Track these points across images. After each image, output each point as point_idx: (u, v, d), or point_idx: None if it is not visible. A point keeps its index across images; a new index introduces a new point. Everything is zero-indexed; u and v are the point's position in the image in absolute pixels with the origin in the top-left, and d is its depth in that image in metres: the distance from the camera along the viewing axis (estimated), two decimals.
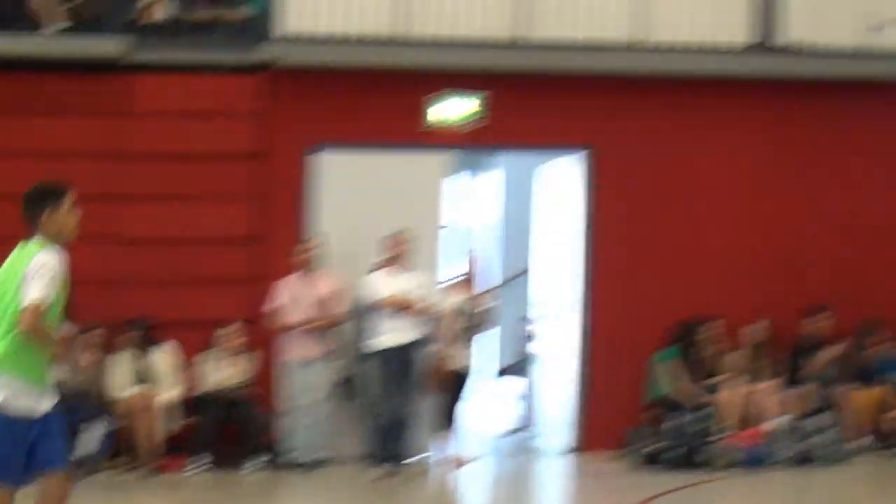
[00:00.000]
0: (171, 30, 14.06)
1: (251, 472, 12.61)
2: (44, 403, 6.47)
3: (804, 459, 13.37)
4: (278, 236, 13.54)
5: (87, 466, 12.02)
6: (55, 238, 6.62)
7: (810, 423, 13.62)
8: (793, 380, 13.99)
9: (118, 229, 13.03)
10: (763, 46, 14.63)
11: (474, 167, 18.60)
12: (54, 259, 6.50)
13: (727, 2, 14.52)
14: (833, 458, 13.43)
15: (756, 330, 13.94)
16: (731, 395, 13.60)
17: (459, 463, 13.28)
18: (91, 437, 12.44)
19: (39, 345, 6.45)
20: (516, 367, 16.52)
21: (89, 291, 12.15)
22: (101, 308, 12.93)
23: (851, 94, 14.73)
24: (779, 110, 14.73)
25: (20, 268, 6.53)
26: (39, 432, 6.46)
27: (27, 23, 13.44)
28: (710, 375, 13.87)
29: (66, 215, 6.74)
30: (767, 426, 13.47)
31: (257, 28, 13.67)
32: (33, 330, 6.35)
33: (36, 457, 6.46)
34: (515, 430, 15.95)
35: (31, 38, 13.31)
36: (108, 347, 12.88)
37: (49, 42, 13.33)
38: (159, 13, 14.09)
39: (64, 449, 6.66)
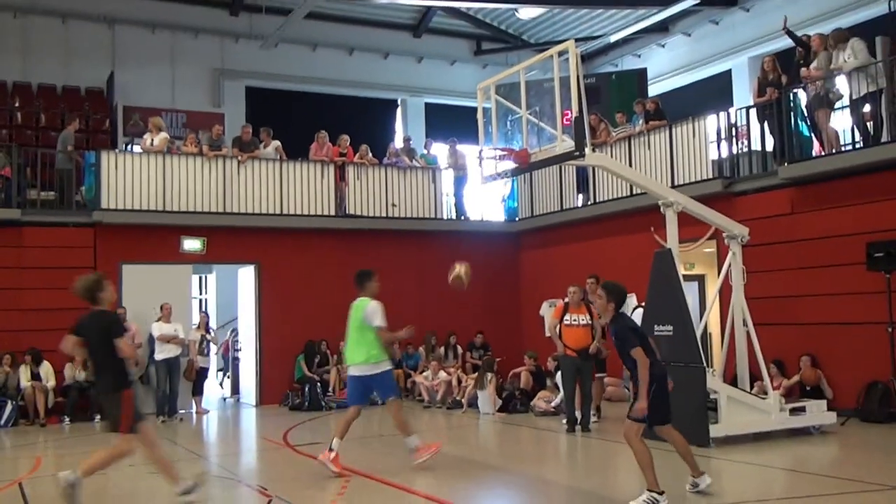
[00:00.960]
0: (51, 204, 15.20)
1: (98, 423, 13.50)
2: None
3: (369, 403, 14.78)
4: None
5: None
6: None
7: None
8: None
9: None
10: (341, 214, 16.75)
11: (205, 271, 19.91)
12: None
13: (324, 193, 16.53)
14: (380, 404, 14.90)
15: (342, 345, 13.83)
16: (334, 374, 15.56)
17: (204, 412, 14.87)
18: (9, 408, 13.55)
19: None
20: (231, 364, 17.91)
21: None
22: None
23: (383, 236, 16.99)
24: (348, 243, 16.68)
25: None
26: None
27: None
28: (323, 365, 15.87)
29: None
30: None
31: (91, 204, 15.17)
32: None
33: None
34: (230, 396, 17.35)
35: None
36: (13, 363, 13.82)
37: None
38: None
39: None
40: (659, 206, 10.41)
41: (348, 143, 17.40)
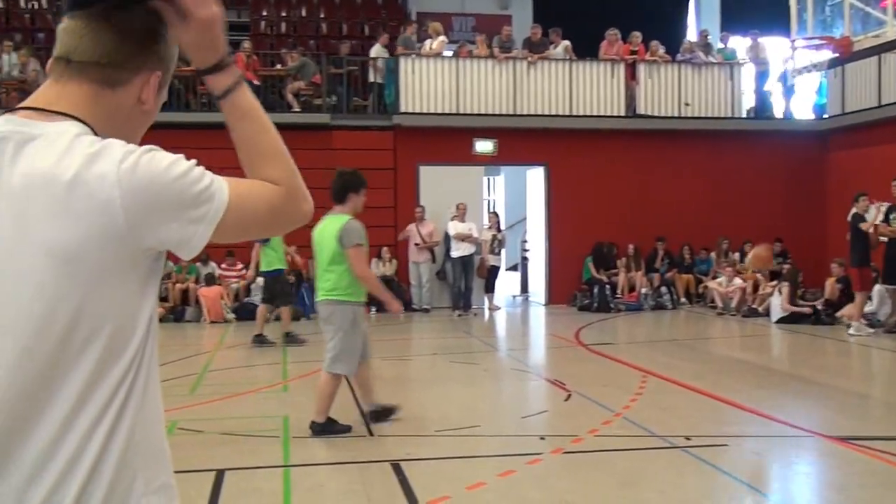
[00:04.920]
0: (359, 111, 16.19)
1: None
2: None
3: (657, 307, 15.28)
4: (406, 204, 15.66)
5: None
6: None
7: (660, 291, 15.60)
8: (649, 270, 15.81)
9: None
10: (631, 114, 16.42)
11: (493, 173, 20.71)
12: None
13: (614, 93, 16.22)
14: (668, 308, 15.34)
15: (631, 248, 15.76)
16: (622, 277, 15.51)
17: (495, 309, 15.39)
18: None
19: None
20: (520, 264, 18.49)
21: None
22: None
23: (675, 136, 16.36)
24: (638, 144, 16.35)
25: None
26: None
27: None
28: (611, 268, 15.73)
29: None
30: (639, 292, 15.43)
31: (391, 109, 15.96)
32: None
33: None
34: (520, 294, 17.84)
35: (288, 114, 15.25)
36: None
37: (294, 115, 15.35)
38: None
39: None
40: None
41: (640, 41, 16.84)
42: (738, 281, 14.69)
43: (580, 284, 15.97)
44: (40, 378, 1.29)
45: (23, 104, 1.41)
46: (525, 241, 17.93)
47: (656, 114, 16.52)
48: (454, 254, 15.00)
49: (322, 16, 20.37)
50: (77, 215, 1.29)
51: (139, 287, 1.38)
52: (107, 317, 1.33)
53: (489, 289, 15.62)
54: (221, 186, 1.40)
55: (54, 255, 1.29)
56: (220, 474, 5.28)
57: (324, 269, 6.22)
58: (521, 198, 18.37)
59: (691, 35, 19.50)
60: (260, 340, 11.02)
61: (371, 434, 6.44)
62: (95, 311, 1.32)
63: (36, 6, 19.40)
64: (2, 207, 1.31)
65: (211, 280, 14.15)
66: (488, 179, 20.72)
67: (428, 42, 16.38)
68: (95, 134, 1.39)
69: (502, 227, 16.54)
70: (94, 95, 1.43)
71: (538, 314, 15.71)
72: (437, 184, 15.78)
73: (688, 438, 6.09)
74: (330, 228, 6.17)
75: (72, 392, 1.30)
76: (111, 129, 1.42)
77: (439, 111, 15.86)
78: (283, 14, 20.34)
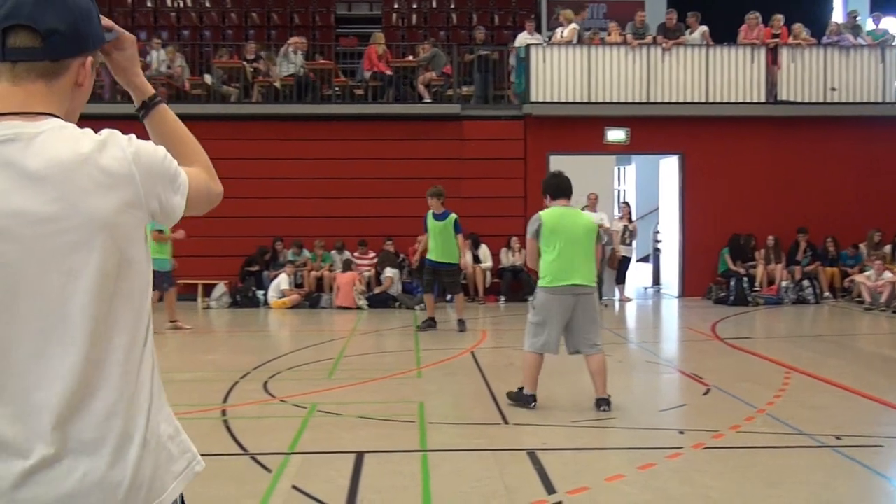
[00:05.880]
0: (483, 98, 16.24)
1: (530, 302, 15.61)
2: None
3: (798, 301, 14.65)
4: (536, 194, 15.87)
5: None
6: None
7: (802, 285, 14.93)
8: (790, 263, 15.28)
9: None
10: (772, 101, 15.79)
11: (623, 162, 20.17)
12: None
13: (754, 79, 15.66)
14: (811, 302, 14.70)
15: (770, 239, 15.15)
16: (761, 270, 15.05)
17: (627, 300, 15.17)
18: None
19: None
20: (652, 255, 18.10)
21: None
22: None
23: (819, 123, 15.70)
24: (779, 132, 15.79)
25: None
26: None
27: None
28: (749, 260, 15.28)
29: None
30: (779, 285, 14.91)
31: (522, 98, 15.82)
32: None
33: None
34: (652, 286, 17.54)
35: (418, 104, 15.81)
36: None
37: (426, 106, 15.73)
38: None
39: None
40: None
41: (782, 23, 16.20)
42: (888, 275, 13.93)
43: (716, 277, 15.52)
44: (109, 313, 1.58)
45: None
46: (657, 232, 17.62)
47: (799, 100, 15.85)
48: None
49: (452, 6, 20.48)
50: (112, 189, 1.56)
51: (146, 255, 1.67)
52: (137, 273, 1.63)
53: (620, 280, 15.40)
54: (179, 166, 1.72)
55: (102, 222, 1.55)
56: (359, 456, 5.40)
57: (585, 258, 6.72)
58: (653, 187, 18.03)
59: (838, 16, 18.52)
60: (430, 324, 11.68)
61: (506, 422, 6.44)
62: (130, 265, 1.61)
63: (181, 5, 20.32)
64: (35, 190, 1.52)
65: (348, 266, 14.42)
66: (619, 169, 20.34)
67: (559, 30, 16.22)
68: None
69: (633, 217, 16.30)
70: (48, 86, 1.62)
71: (671, 306, 15.32)
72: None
73: (838, 438, 5.82)
74: (583, 222, 6.82)
75: (127, 326, 1.61)
76: (63, 112, 1.64)
77: (570, 100, 15.66)
78: (415, 6, 20.58)
